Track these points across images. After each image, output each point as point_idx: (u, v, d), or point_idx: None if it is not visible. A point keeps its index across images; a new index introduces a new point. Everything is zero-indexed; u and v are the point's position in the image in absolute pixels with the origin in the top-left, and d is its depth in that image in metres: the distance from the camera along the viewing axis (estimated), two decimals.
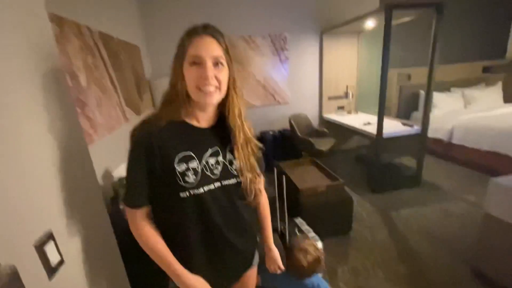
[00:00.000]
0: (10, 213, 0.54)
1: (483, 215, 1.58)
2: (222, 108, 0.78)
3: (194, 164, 0.71)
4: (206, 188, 0.73)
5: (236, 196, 0.80)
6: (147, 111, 2.71)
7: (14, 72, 0.60)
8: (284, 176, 1.62)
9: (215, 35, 0.70)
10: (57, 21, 1.24)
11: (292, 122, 3.32)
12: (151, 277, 1.24)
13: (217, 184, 0.75)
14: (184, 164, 0.70)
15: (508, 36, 4.21)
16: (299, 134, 3.22)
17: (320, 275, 1.25)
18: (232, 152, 0.78)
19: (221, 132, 0.78)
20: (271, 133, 3.60)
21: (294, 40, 3.56)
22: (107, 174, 1.54)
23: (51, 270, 0.62)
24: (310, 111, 3.86)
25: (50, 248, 0.62)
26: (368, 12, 2.64)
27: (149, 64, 3.11)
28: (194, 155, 0.72)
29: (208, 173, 0.74)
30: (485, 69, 4.21)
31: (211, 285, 0.81)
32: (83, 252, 0.78)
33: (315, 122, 3.90)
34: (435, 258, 1.86)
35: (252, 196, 0.82)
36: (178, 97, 0.71)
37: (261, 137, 3.61)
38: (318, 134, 3.46)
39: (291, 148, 3.54)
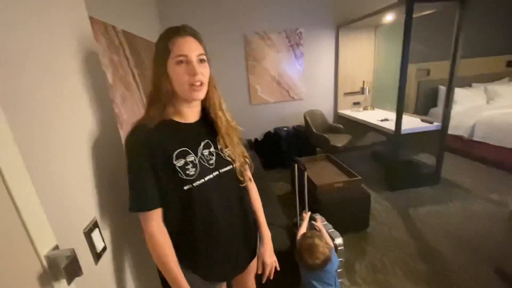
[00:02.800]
0: (65, 201, 0.58)
1: (509, 213, 1.54)
2: (204, 103, 0.83)
3: (191, 157, 0.76)
4: (206, 178, 0.77)
5: (233, 182, 0.84)
6: None
7: (63, 70, 0.64)
8: (306, 172, 1.62)
9: (195, 34, 0.74)
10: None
11: (307, 118, 3.30)
12: None
13: (215, 173, 0.79)
14: (182, 159, 0.74)
15: None
16: (314, 130, 3.21)
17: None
18: (220, 141, 0.83)
19: (207, 125, 0.84)
20: (285, 129, 3.60)
21: (309, 35, 3.52)
22: None
23: (97, 256, 0.67)
24: (325, 107, 3.82)
25: (96, 235, 0.67)
26: (388, 5, 2.58)
27: None
28: (189, 150, 0.76)
29: (206, 164, 0.78)
30: (509, 63, 4.03)
31: (218, 278, 0.87)
32: (120, 240, 0.83)
33: (330, 118, 3.87)
34: (455, 257, 1.83)
35: (246, 179, 0.88)
36: (163, 96, 0.73)
37: (275, 133, 3.62)
38: (333, 130, 3.44)
39: (306, 145, 3.53)
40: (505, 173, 2.88)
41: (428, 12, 2.80)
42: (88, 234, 0.63)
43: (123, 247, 0.84)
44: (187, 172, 0.74)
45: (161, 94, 0.73)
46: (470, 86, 3.96)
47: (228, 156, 0.83)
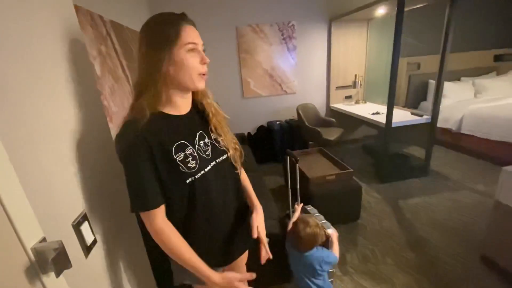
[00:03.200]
0: (52, 194, 0.57)
1: (494, 203, 1.58)
2: (194, 93, 0.83)
3: (189, 150, 0.74)
4: (206, 169, 0.77)
5: (228, 170, 0.85)
6: None
7: (47, 60, 0.61)
8: (298, 164, 1.63)
9: (194, 24, 0.74)
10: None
11: (300, 111, 3.31)
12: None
13: (213, 163, 0.79)
14: (182, 152, 0.72)
15: None
16: (307, 123, 3.22)
17: (329, 250, 1.28)
18: (213, 131, 0.83)
19: (198, 116, 0.83)
20: (278, 123, 3.60)
21: (302, 28, 3.50)
22: None
23: (87, 249, 0.65)
24: (317, 101, 3.84)
25: (85, 228, 0.65)
26: None
27: None
28: (187, 142, 0.75)
29: (203, 155, 0.77)
30: (497, 58, 4.12)
31: (219, 263, 0.87)
32: (111, 234, 0.82)
33: (322, 112, 3.89)
34: (443, 246, 1.88)
35: (240, 166, 0.89)
36: (159, 84, 0.69)
37: (268, 127, 3.62)
38: (325, 123, 3.45)
39: (298, 138, 3.55)
40: (490, 164, 2.97)
41: (419, 5, 2.81)
42: (77, 227, 0.62)
43: (114, 240, 0.83)
44: (188, 165, 0.72)
45: (155, 82, 0.68)
46: (459, 80, 4.03)
47: (223, 145, 0.83)
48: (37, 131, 0.55)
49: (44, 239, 0.49)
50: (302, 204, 1.57)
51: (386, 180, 2.82)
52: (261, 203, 0.94)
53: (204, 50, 0.74)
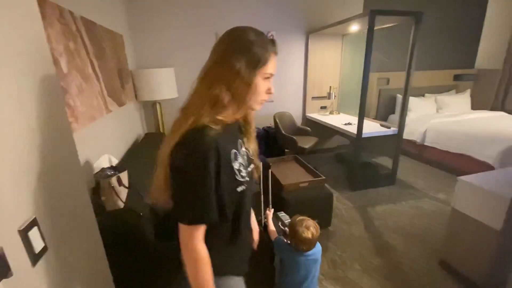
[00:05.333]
0: None
1: (450, 211, 1.70)
2: None
3: (240, 159, 0.74)
4: (248, 177, 0.77)
5: (253, 181, 0.85)
6: (130, 103, 2.63)
7: None
8: (270, 171, 1.65)
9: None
10: (39, 1, 1.17)
11: (277, 119, 3.36)
12: (132, 270, 1.22)
13: (249, 169, 0.80)
14: (236, 161, 0.73)
15: (477, 48, 4.55)
16: (283, 131, 3.27)
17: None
18: (244, 141, 0.82)
19: (237, 124, 0.81)
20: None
21: (281, 39, 3.59)
22: (87, 165, 1.49)
23: (35, 257, 0.60)
24: (294, 110, 3.93)
25: (34, 234, 0.60)
26: (353, 16, 2.73)
27: (132, 54, 3.01)
28: (237, 151, 0.74)
29: (245, 163, 0.78)
30: (456, 77, 4.50)
31: (244, 271, 0.88)
32: (66, 241, 0.76)
33: (298, 121, 3.98)
34: (407, 251, 1.98)
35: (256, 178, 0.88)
36: (236, 101, 0.70)
37: None
38: (301, 132, 3.54)
39: (275, 146, 3.59)
40: (449, 174, 3.20)
41: (389, 25, 3.02)
42: (24, 232, 0.57)
43: (68, 247, 0.77)
44: (242, 173, 0.73)
45: (234, 98, 0.69)
46: (423, 96, 4.35)
47: (252, 155, 0.83)
48: None
49: None
50: (273, 209, 1.58)
51: (356, 188, 2.93)
52: None
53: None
